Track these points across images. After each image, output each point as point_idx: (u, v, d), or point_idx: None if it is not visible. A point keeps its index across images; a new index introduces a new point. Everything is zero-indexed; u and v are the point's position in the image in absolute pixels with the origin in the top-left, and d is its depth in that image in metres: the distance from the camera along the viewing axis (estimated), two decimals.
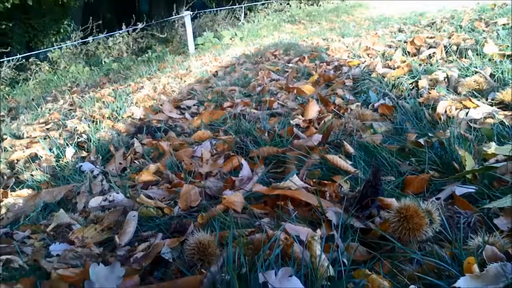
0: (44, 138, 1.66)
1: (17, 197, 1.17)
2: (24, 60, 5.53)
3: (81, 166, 1.37)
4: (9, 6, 5.72)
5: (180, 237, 0.88)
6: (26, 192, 1.21)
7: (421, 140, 1.20)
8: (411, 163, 1.12)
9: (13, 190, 1.27)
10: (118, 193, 1.11)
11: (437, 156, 1.10)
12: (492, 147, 1.08)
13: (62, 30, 7.31)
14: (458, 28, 3.28)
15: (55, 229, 0.97)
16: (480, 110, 1.39)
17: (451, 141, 1.13)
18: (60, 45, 6.22)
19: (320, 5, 11.32)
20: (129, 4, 14.11)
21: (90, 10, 7.72)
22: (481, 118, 1.35)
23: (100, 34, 6.78)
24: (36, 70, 5.64)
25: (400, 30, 4.04)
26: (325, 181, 1.05)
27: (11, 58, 5.37)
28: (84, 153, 1.54)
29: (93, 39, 6.59)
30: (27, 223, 1.05)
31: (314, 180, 1.07)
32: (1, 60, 5.24)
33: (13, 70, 5.37)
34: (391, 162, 1.13)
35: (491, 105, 1.44)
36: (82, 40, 6.50)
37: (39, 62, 5.78)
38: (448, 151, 1.10)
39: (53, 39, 7.03)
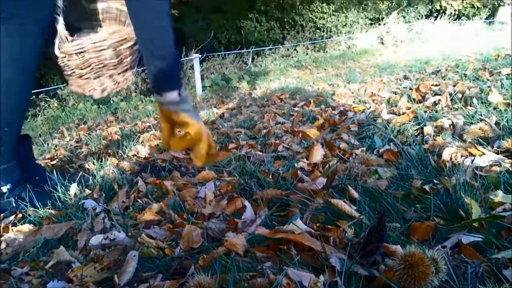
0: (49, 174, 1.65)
1: (18, 232, 1.16)
2: (34, 96, 5.62)
3: (84, 203, 1.37)
4: None
5: (180, 279, 0.86)
6: (27, 227, 1.20)
7: (427, 187, 1.19)
8: (416, 209, 1.11)
9: (14, 225, 1.26)
10: (119, 231, 1.10)
11: (443, 203, 1.09)
12: (499, 196, 1.07)
13: None
14: (463, 76, 3.33)
15: (54, 266, 0.96)
16: (486, 157, 1.39)
17: (457, 188, 1.12)
18: None
19: (326, 52, 11.55)
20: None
21: None
22: (487, 165, 1.34)
23: None
24: (45, 107, 5.73)
25: (405, 77, 4.11)
26: (329, 226, 1.03)
27: None
28: (88, 191, 1.53)
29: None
30: (26, 259, 1.04)
31: (317, 224, 1.06)
32: None
33: None
34: (396, 208, 1.11)
35: (497, 153, 1.44)
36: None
37: (48, 99, 5.88)
38: (454, 198, 1.09)
39: None
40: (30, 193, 1.41)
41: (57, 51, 1.50)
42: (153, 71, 1.47)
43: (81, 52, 1.54)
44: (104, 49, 1.58)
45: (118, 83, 1.70)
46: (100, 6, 1.72)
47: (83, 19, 1.76)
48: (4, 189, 1.40)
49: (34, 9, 1.37)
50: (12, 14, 1.31)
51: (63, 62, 1.54)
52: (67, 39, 1.51)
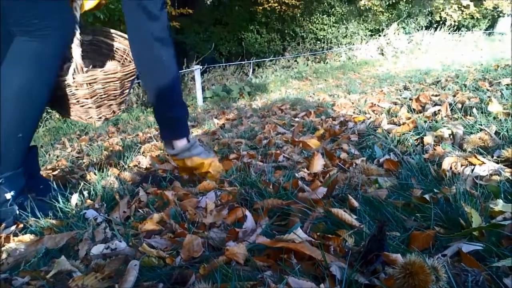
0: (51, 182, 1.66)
1: (19, 242, 1.16)
2: None
3: (85, 213, 1.37)
4: None
5: None
6: (28, 237, 1.21)
7: (427, 196, 1.19)
8: (417, 218, 1.11)
9: (15, 235, 1.27)
10: (120, 241, 1.10)
11: (443, 212, 1.09)
12: (499, 205, 1.07)
13: None
14: (463, 87, 3.34)
15: (55, 276, 0.96)
16: (486, 167, 1.39)
17: (457, 198, 1.12)
18: None
19: (326, 63, 11.62)
20: None
21: None
22: (487, 175, 1.35)
23: None
24: (47, 118, 5.75)
25: (405, 88, 4.12)
26: (330, 235, 1.04)
27: None
28: (89, 201, 1.54)
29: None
30: (28, 269, 1.04)
31: (318, 233, 1.06)
32: None
33: None
34: (396, 217, 1.12)
35: (497, 163, 1.44)
36: None
37: (50, 110, 5.89)
38: (454, 207, 1.09)
39: None
40: (32, 202, 1.42)
41: (70, 80, 1.53)
42: (160, 119, 1.57)
43: (92, 82, 1.57)
44: (112, 81, 1.63)
45: (114, 112, 1.75)
46: (112, 42, 1.81)
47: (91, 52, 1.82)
48: (8, 195, 1.40)
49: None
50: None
51: (71, 91, 1.57)
52: (82, 69, 1.55)
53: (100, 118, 1.70)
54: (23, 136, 1.41)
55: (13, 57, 1.38)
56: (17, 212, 1.40)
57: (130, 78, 1.71)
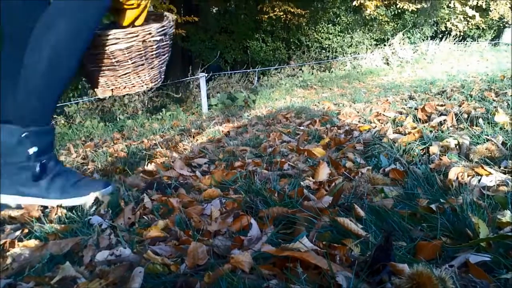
0: None
1: (24, 248, 1.16)
2: None
3: (90, 219, 1.37)
4: None
5: None
6: (33, 242, 1.21)
7: (433, 206, 1.19)
8: (423, 228, 1.10)
9: (20, 240, 1.27)
10: (125, 248, 1.10)
11: (450, 222, 1.08)
12: (506, 215, 1.07)
13: (80, 86, 7.56)
14: (469, 97, 3.34)
15: (60, 282, 0.96)
16: (492, 177, 1.38)
17: (464, 208, 1.11)
18: (77, 100, 6.41)
19: (332, 72, 11.64)
20: None
21: None
22: (494, 185, 1.34)
23: None
24: (52, 124, 5.77)
25: (411, 97, 4.12)
26: (335, 244, 1.03)
27: None
28: (94, 207, 1.54)
29: (109, 96, 6.78)
30: (32, 275, 1.04)
31: (324, 242, 1.06)
32: None
33: None
34: (402, 227, 1.11)
35: (504, 173, 1.43)
36: (99, 97, 6.68)
37: (55, 116, 5.93)
38: (461, 217, 1.08)
39: (71, 94, 7.26)
40: (59, 166, 1.41)
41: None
42: None
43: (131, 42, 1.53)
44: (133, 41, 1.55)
45: (144, 83, 1.67)
46: None
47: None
48: (31, 151, 1.34)
49: None
50: None
51: (106, 51, 1.52)
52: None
53: (132, 86, 1.64)
54: (59, 90, 1.40)
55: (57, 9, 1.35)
56: (37, 170, 1.35)
57: (154, 39, 1.59)
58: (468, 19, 15.43)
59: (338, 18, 13.68)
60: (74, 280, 0.97)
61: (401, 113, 2.96)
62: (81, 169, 2.49)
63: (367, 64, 12.69)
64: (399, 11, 13.66)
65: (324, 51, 13.73)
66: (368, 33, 14.13)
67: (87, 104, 6.48)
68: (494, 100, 2.95)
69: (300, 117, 3.90)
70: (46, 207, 1.51)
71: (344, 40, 13.85)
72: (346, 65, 12.65)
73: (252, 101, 7.23)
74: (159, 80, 1.72)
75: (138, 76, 1.64)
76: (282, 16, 12.63)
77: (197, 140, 3.30)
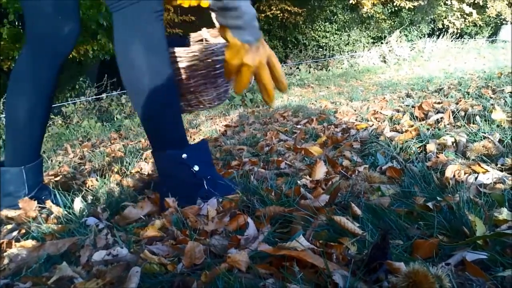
0: (53, 189, 1.66)
1: (21, 248, 1.16)
2: None
3: (87, 219, 1.37)
4: None
5: None
6: (30, 243, 1.20)
7: (430, 204, 1.19)
8: (420, 227, 1.10)
9: (17, 240, 1.26)
10: (122, 247, 1.10)
11: (446, 220, 1.08)
12: (503, 213, 1.07)
13: (77, 86, 7.54)
14: (466, 94, 3.34)
15: (57, 282, 0.96)
16: (489, 175, 1.39)
17: (461, 206, 1.12)
18: (75, 100, 6.39)
19: (329, 70, 11.63)
20: None
21: (106, 68, 8.00)
22: (491, 183, 1.34)
23: (114, 91, 6.97)
24: (50, 124, 5.76)
25: (408, 95, 4.12)
26: (332, 243, 1.03)
27: None
28: (91, 207, 1.54)
29: (106, 96, 6.77)
30: (29, 275, 1.04)
31: (320, 241, 1.06)
32: None
33: None
34: (399, 225, 1.11)
35: (501, 171, 1.44)
36: (96, 97, 6.68)
37: (52, 116, 5.91)
38: (458, 215, 1.08)
39: (68, 94, 7.24)
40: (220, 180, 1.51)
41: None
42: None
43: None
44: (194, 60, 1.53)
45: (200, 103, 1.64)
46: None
47: None
48: (196, 168, 1.46)
49: None
50: None
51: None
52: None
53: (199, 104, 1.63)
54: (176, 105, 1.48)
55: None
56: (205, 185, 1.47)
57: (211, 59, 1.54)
58: (465, 16, 15.44)
59: (335, 16, 13.68)
60: (71, 280, 0.97)
61: (398, 111, 2.96)
62: (78, 169, 2.48)
63: (364, 62, 12.68)
64: (396, 8, 13.66)
65: (321, 49, 13.72)
66: (365, 31, 14.13)
67: (84, 104, 6.47)
68: (491, 98, 2.96)
69: (297, 115, 3.90)
70: (43, 207, 1.52)
71: (341, 38, 13.84)
72: (343, 64, 12.64)
73: (249, 100, 7.22)
74: (223, 99, 1.71)
75: (203, 95, 1.61)
76: (279, 15, 12.62)
77: (195, 139, 3.30)
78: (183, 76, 1.54)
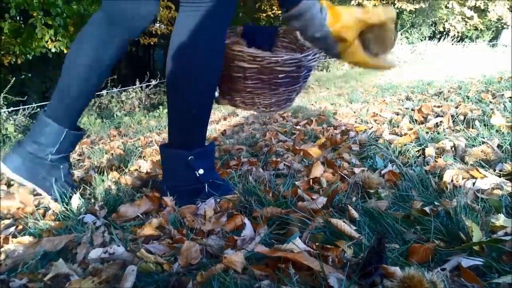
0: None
1: (18, 244, 1.16)
2: (39, 109, 5.65)
3: (84, 217, 1.37)
4: (31, 58, 5.97)
5: None
6: (27, 239, 1.20)
7: (427, 209, 1.19)
8: (416, 231, 1.10)
9: (14, 236, 1.26)
10: (119, 245, 1.10)
11: (443, 225, 1.08)
12: (500, 219, 1.07)
13: None
14: (465, 98, 3.34)
15: (53, 279, 0.96)
16: (487, 180, 1.39)
17: (458, 211, 1.12)
18: None
19: (329, 71, 11.62)
20: (144, 61, 14.58)
21: None
22: (488, 188, 1.34)
23: (114, 88, 6.96)
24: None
25: (407, 98, 4.12)
26: (328, 246, 1.03)
27: (27, 106, 5.50)
28: (89, 204, 1.53)
29: (107, 93, 6.77)
30: (25, 271, 1.04)
31: (317, 243, 1.06)
32: (18, 108, 5.37)
33: (28, 118, 5.49)
34: (395, 229, 1.11)
35: (499, 176, 1.44)
36: (96, 93, 6.66)
37: None
38: (455, 221, 1.08)
39: None
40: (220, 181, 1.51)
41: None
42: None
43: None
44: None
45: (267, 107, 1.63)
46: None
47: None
48: (201, 171, 1.46)
49: None
50: None
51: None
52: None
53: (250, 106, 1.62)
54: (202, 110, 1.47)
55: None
56: (206, 190, 1.48)
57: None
58: (466, 19, 15.45)
59: None
60: (67, 278, 0.97)
61: (397, 113, 2.96)
62: (77, 165, 2.48)
63: None
64: (398, 11, 13.66)
65: None
66: None
67: None
68: (491, 102, 2.96)
69: (296, 116, 3.90)
70: (39, 195, 1.52)
71: None
72: (344, 65, 12.62)
73: None
74: (282, 106, 1.67)
75: (258, 97, 1.60)
76: (280, 15, 12.60)
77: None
78: (242, 74, 1.53)
